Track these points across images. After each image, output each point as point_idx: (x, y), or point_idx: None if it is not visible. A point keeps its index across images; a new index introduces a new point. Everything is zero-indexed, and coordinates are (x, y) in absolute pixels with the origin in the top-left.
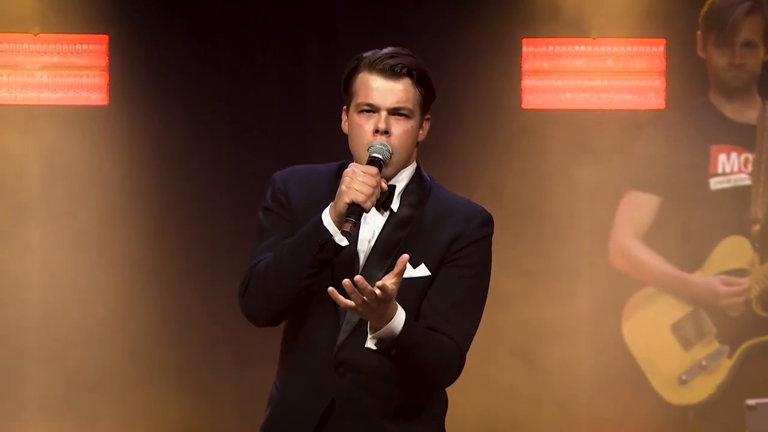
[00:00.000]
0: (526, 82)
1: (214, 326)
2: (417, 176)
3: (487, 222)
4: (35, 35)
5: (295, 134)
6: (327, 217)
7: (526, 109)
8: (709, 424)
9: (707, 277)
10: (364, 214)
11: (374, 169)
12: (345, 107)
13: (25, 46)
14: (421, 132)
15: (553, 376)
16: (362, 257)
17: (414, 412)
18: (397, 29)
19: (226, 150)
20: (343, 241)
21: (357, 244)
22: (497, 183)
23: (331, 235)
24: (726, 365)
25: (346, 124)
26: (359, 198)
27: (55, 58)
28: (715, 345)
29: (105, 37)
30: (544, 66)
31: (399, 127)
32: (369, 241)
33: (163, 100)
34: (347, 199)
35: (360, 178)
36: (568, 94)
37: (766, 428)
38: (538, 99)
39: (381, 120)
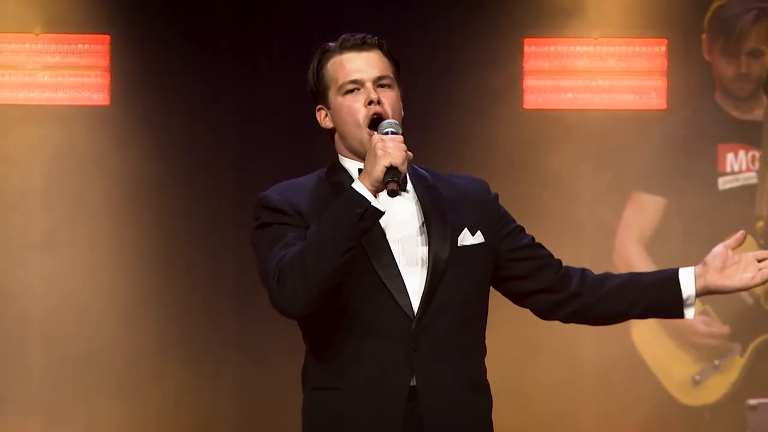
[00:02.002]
0: (528, 82)
1: (215, 326)
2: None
3: (489, 187)
4: (37, 35)
5: (300, 133)
6: (361, 187)
7: (528, 109)
8: (725, 423)
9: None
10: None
11: (400, 137)
12: (318, 106)
13: (26, 46)
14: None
15: (561, 380)
16: (387, 232)
17: (478, 384)
18: (399, 29)
19: (228, 149)
20: (382, 207)
21: (381, 225)
22: (498, 183)
23: (370, 202)
24: (738, 364)
25: (327, 119)
26: (397, 160)
27: (57, 58)
28: (727, 344)
29: (107, 38)
30: (546, 66)
31: (387, 97)
32: (393, 220)
33: (164, 99)
34: (386, 162)
35: (391, 144)
36: (569, 94)
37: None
38: (540, 99)
39: (371, 91)
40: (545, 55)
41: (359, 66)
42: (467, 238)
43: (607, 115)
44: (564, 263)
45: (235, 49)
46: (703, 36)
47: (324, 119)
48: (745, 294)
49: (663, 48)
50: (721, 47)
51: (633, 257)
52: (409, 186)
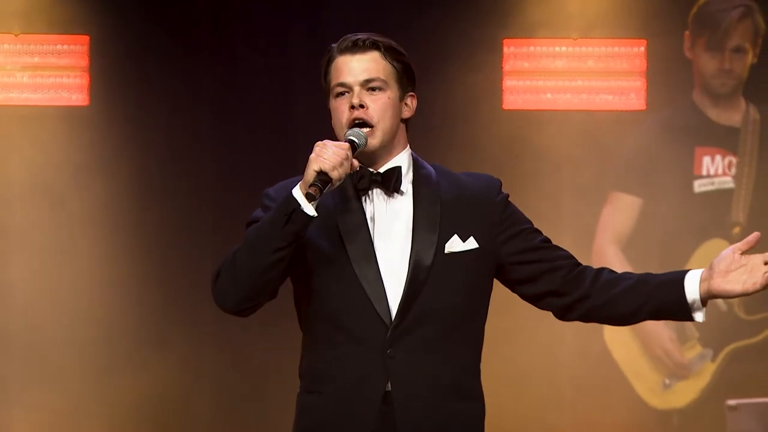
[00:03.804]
0: (508, 83)
1: (195, 327)
2: (415, 158)
3: (500, 186)
4: (16, 36)
5: (280, 134)
6: (297, 191)
7: (508, 110)
8: (693, 428)
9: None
10: (370, 192)
11: (346, 144)
12: (326, 89)
13: (5, 46)
14: (406, 108)
15: (535, 381)
16: (374, 235)
17: (463, 391)
18: (378, 30)
19: (208, 150)
20: (311, 210)
21: (368, 222)
22: None
23: (299, 205)
24: (709, 369)
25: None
26: (326, 166)
27: (36, 59)
28: (698, 349)
29: (86, 38)
30: (525, 66)
31: (375, 99)
32: (375, 220)
33: (144, 100)
34: (315, 167)
35: (330, 149)
36: (549, 95)
37: (747, 429)
38: (519, 99)
39: (354, 95)
40: (525, 55)
41: (349, 69)
42: (456, 245)
43: (586, 115)
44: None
45: (214, 49)
46: (686, 33)
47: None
48: (719, 300)
49: (642, 49)
50: (705, 42)
51: (611, 259)
52: (408, 188)
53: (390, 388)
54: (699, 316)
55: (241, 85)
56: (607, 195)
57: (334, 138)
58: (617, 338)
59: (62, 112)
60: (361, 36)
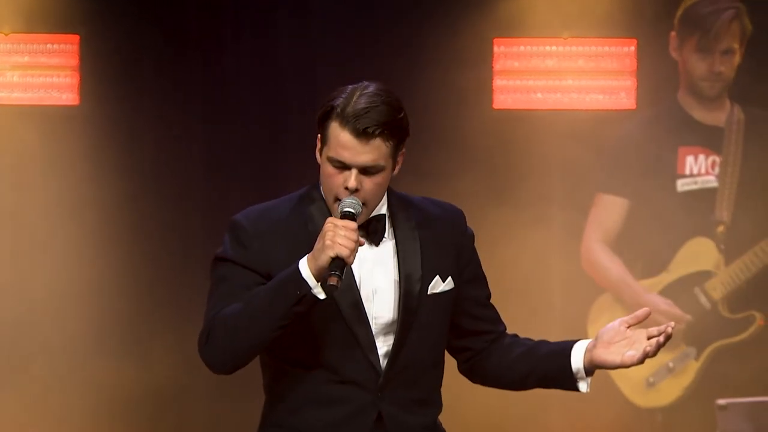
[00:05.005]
0: (498, 82)
1: (185, 329)
2: (390, 196)
3: (465, 220)
4: (6, 35)
5: (270, 133)
6: (305, 269)
7: (498, 109)
8: (676, 426)
9: (654, 294)
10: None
11: (353, 224)
12: (319, 137)
13: None
14: (396, 167)
15: None
16: (360, 284)
17: (436, 427)
18: (368, 29)
19: (198, 149)
20: (322, 294)
21: (353, 272)
22: (468, 183)
23: (311, 288)
24: (693, 367)
25: (318, 153)
26: (344, 253)
27: (26, 58)
28: (682, 347)
29: (76, 37)
30: (516, 66)
31: (370, 182)
32: (361, 268)
33: (134, 99)
34: (332, 254)
35: (342, 233)
36: (539, 94)
37: (737, 428)
38: (509, 99)
39: (351, 179)
40: (515, 55)
41: (350, 152)
42: (438, 286)
43: (576, 114)
44: (533, 265)
45: (204, 48)
46: (673, 34)
47: (317, 151)
48: (703, 298)
49: (632, 48)
50: (695, 44)
51: (600, 256)
52: (388, 230)
53: (377, 428)
54: (583, 386)
55: (231, 83)
56: (595, 195)
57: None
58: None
59: (52, 111)
60: (370, 117)
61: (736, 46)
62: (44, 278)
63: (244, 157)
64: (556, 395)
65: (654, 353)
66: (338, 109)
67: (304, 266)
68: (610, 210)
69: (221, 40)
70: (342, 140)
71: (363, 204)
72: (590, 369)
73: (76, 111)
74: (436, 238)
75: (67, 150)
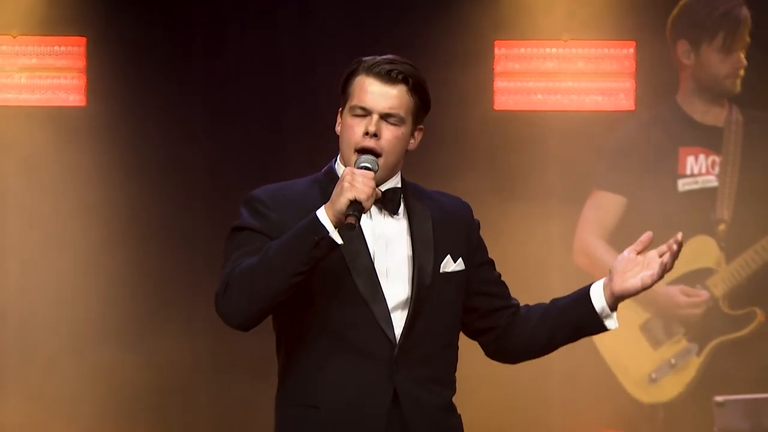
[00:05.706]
0: (499, 84)
1: (190, 328)
2: (403, 180)
3: (472, 211)
4: (14, 37)
5: (274, 135)
6: (323, 215)
7: (499, 111)
8: (678, 422)
9: (667, 286)
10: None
11: (371, 174)
12: (341, 109)
13: (3, 48)
14: (412, 141)
15: (522, 375)
16: (375, 257)
17: (452, 407)
18: (369, 30)
19: (204, 150)
20: (338, 238)
21: (368, 242)
22: (468, 184)
23: (328, 232)
24: (695, 363)
25: (338, 125)
26: (362, 196)
27: (34, 60)
28: (684, 343)
29: (83, 39)
30: (516, 68)
31: (389, 132)
32: (376, 240)
33: (140, 100)
34: (350, 196)
35: (360, 179)
36: (539, 96)
37: (735, 425)
38: (510, 100)
39: (372, 123)
40: (515, 56)
41: (374, 96)
42: (449, 265)
43: (576, 116)
44: (533, 263)
45: (210, 49)
46: (680, 41)
47: (337, 124)
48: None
49: (632, 50)
50: (720, 44)
51: (595, 249)
52: (402, 208)
53: (393, 404)
54: (611, 323)
55: (237, 84)
56: (592, 193)
57: (323, 146)
58: (605, 333)
59: (60, 112)
60: (396, 66)
61: (749, 39)
62: (52, 276)
63: (249, 158)
64: (557, 390)
65: (671, 265)
66: (364, 64)
67: (322, 213)
68: (607, 207)
69: (226, 41)
70: (366, 86)
71: (379, 156)
72: (613, 304)
73: (83, 112)
74: (446, 222)
75: (74, 150)
